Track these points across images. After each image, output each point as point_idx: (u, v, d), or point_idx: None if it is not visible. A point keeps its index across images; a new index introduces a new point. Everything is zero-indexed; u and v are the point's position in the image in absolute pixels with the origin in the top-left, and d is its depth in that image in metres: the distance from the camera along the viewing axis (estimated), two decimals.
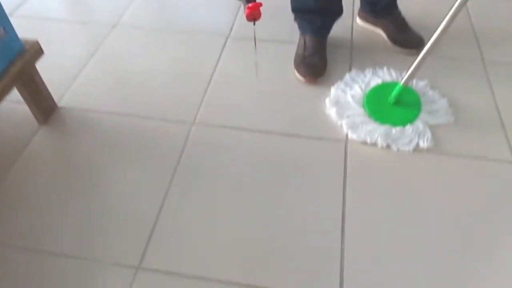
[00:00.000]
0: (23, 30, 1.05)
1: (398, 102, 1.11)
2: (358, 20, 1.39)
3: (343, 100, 1.15)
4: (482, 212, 0.93)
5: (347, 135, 1.08)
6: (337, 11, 1.25)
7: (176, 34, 1.41)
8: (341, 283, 0.83)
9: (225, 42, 1.37)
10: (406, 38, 1.28)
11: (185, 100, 1.19)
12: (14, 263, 0.87)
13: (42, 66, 1.09)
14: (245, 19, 0.88)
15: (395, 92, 1.08)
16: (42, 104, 1.12)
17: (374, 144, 1.06)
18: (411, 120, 1.08)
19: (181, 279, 0.84)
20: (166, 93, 1.21)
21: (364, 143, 1.06)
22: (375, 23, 1.34)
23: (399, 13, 1.30)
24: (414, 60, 1.01)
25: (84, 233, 0.92)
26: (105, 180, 1.01)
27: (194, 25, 1.44)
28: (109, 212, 0.95)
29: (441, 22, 0.93)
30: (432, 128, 1.08)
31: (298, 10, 1.25)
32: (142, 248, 0.89)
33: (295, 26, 1.30)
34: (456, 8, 0.90)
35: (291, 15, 1.28)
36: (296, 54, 1.25)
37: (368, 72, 1.21)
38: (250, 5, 0.85)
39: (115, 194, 0.98)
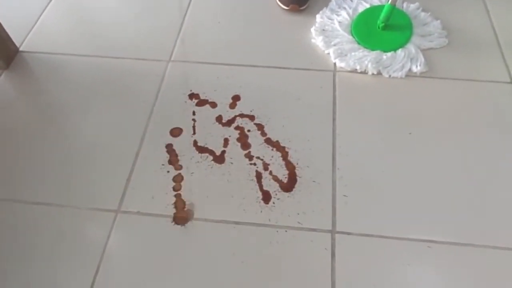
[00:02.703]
0: None
1: (388, 26, 1.03)
2: None
3: (330, 27, 1.06)
4: (480, 132, 0.88)
5: (335, 64, 1.01)
6: None
7: None
8: (334, 213, 0.78)
9: None
10: None
11: (159, 36, 1.09)
12: None
13: None
14: None
15: (383, 13, 1.00)
16: (2, 47, 1.02)
17: (364, 72, 0.99)
18: (402, 44, 1.00)
19: (158, 218, 0.79)
20: (137, 30, 1.11)
21: (354, 71, 0.99)
22: None
23: None
24: None
25: (59, 179, 0.85)
26: (78, 123, 0.93)
27: None
28: (85, 155, 0.88)
29: None
30: (425, 52, 1.01)
31: None
32: (121, 190, 0.83)
33: None
34: None
35: None
36: None
37: None
38: None
39: (90, 137, 0.91)
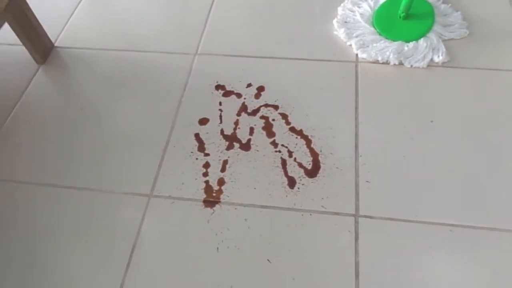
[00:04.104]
0: None
1: (409, 16, 1.04)
2: None
3: (352, 19, 1.09)
4: (501, 121, 0.89)
5: (357, 55, 1.03)
6: None
7: None
8: (357, 197, 0.81)
9: None
10: None
11: (185, 30, 1.14)
12: (24, 198, 0.87)
13: (34, 7, 1.04)
14: None
15: (404, 2, 1.02)
16: (38, 43, 1.08)
17: (386, 63, 1.01)
18: (424, 32, 1.02)
19: (189, 202, 0.83)
20: (164, 24, 1.16)
21: (376, 62, 1.01)
22: None
23: None
24: None
25: (94, 165, 0.91)
26: (110, 114, 0.99)
27: None
28: (118, 144, 0.93)
29: None
30: (446, 42, 1.03)
31: None
32: (153, 176, 0.88)
33: None
34: None
35: None
36: None
37: None
38: None
39: (123, 127, 0.96)
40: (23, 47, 1.07)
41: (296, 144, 0.90)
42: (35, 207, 0.86)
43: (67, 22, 1.20)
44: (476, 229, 0.76)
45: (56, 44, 1.14)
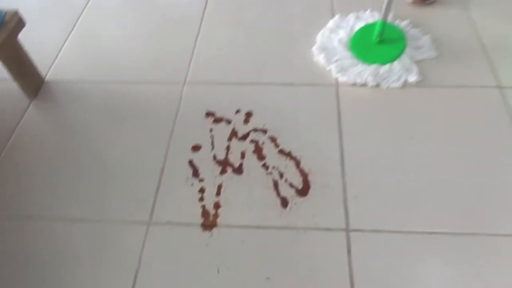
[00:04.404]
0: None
1: (383, 41, 1.13)
2: None
3: (330, 45, 1.16)
4: (472, 133, 0.97)
5: (336, 79, 1.10)
6: None
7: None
8: (346, 212, 0.86)
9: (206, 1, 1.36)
10: None
11: (174, 60, 1.19)
12: (26, 233, 0.89)
13: (24, 42, 1.07)
14: None
15: (377, 28, 1.10)
16: (30, 78, 1.11)
17: (364, 85, 1.08)
18: (397, 55, 1.10)
19: (187, 227, 0.87)
20: (153, 55, 1.21)
21: (354, 84, 1.08)
22: None
23: None
24: None
25: (91, 196, 0.93)
26: (105, 145, 1.02)
27: None
28: (114, 174, 0.96)
29: None
30: (418, 63, 1.11)
31: None
32: (150, 203, 0.91)
33: None
34: None
35: None
36: None
37: (352, 16, 1.22)
38: None
39: (118, 158, 0.99)
40: (14, 83, 1.10)
41: (286, 165, 0.95)
42: (34, 241, 0.87)
43: (57, 56, 1.23)
44: (456, 235, 0.82)
45: (46, 79, 1.17)
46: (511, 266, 0.78)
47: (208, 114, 1.06)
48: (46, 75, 1.18)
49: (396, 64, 1.09)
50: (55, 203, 0.93)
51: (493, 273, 0.78)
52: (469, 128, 0.98)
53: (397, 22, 1.19)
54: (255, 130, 1.02)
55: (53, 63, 1.21)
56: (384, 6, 1.05)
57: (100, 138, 1.03)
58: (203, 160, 0.97)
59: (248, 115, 1.05)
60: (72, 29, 1.31)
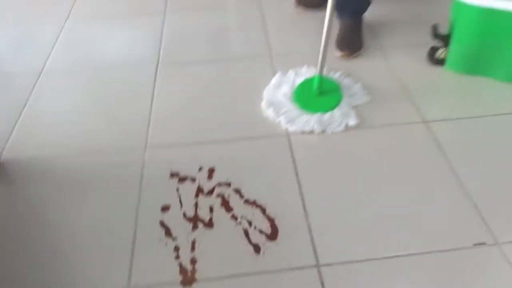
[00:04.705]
0: None
1: (322, 92, 1.27)
2: None
3: (276, 100, 1.29)
4: (408, 164, 1.11)
5: (287, 129, 1.21)
6: None
7: (106, 69, 1.46)
8: (314, 250, 0.94)
9: (157, 66, 1.45)
10: None
11: (132, 126, 1.24)
12: None
13: None
14: None
15: (315, 82, 1.25)
16: None
17: (312, 132, 1.20)
18: (337, 103, 1.25)
19: (171, 287, 0.89)
20: (110, 124, 1.26)
21: (303, 132, 1.20)
22: None
23: None
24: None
25: (65, 272, 0.92)
26: (71, 219, 1.02)
27: (120, 59, 1.50)
28: (85, 246, 0.97)
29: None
30: (355, 108, 1.26)
31: None
32: (127, 269, 0.92)
33: None
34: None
35: None
36: None
37: (291, 73, 1.37)
38: None
39: (87, 229, 1.00)
40: None
41: (253, 213, 1.02)
42: None
43: (10, 134, 1.23)
44: (417, 255, 0.92)
45: (2, 158, 1.16)
46: (467, 277, 0.89)
47: (172, 174, 1.11)
48: (1, 156, 1.17)
49: (336, 111, 1.23)
50: (23, 284, 0.90)
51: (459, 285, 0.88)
52: (404, 159, 1.13)
53: (331, 74, 1.35)
54: (219, 184, 1.08)
55: (7, 141, 1.21)
56: (319, 62, 1.21)
57: (66, 213, 1.04)
58: (174, 219, 1.01)
59: (211, 171, 1.11)
60: (23, 107, 1.32)
